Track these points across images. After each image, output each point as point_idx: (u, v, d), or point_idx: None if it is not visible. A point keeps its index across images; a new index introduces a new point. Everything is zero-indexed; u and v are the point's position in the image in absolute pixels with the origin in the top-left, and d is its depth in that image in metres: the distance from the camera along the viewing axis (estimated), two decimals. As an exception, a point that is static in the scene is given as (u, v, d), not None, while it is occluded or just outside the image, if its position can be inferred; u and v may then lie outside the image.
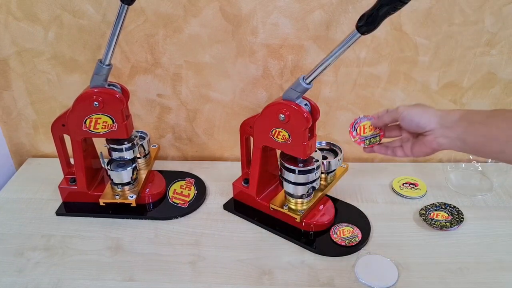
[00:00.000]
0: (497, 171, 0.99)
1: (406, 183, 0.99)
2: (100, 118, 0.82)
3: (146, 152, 1.00)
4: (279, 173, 0.85)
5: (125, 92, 0.86)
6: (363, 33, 0.64)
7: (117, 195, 0.91)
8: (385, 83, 1.00)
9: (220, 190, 0.99)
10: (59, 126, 0.87)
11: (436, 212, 0.90)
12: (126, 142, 0.88)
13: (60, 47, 0.97)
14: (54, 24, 0.95)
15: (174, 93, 1.03)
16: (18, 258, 0.82)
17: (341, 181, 0.95)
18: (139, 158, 0.98)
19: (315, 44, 0.95)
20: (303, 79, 0.72)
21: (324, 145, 0.96)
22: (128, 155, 0.89)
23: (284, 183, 0.84)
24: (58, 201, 0.95)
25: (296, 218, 0.83)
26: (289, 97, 0.75)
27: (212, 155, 1.13)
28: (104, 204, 0.90)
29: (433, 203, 0.92)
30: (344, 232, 0.85)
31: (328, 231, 0.86)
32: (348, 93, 1.01)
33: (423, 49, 0.95)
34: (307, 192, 0.84)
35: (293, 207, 0.85)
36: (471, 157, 1.03)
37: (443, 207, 0.91)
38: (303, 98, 0.76)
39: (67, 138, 0.89)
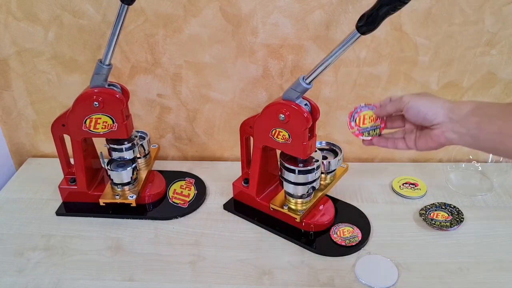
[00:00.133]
0: (497, 171, 0.99)
1: (406, 183, 0.99)
2: (100, 118, 0.82)
3: (146, 152, 1.00)
4: (279, 173, 0.85)
5: (125, 92, 0.86)
6: (363, 33, 0.64)
7: (117, 195, 0.91)
8: (385, 83, 1.00)
9: (220, 190, 0.99)
10: (59, 126, 0.87)
11: (436, 212, 0.90)
12: (126, 142, 0.88)
13: (60, 47, 0.97)
14: (54, 24, 0.95)
15: (174, 93, 1.03)
16: (18, 258, 0.82)
17: (341, 181, 0.95)
18: (139, 158, 0.98)
19: (315, 44, 0.95)
20: (303, 79, 0.72)
21: (324, 145, 0.96)
22: (128, 155, 0.89)
23: (284, 183, 0.84)
24: (58, 201, 0.95)
25: (296, 218, 0.83)
26: (289, 97, 0.75)
27: (212, 155, 1.13)
28: (104, 204, 0.90)
29: (433, 203, 0.92)
30: (344, 232, 0.85)
31: (328, 231, 0.86)
32: (348, 93, 1.01)
33: (423, 49, 0.95)
34: (307, 192, 0.84)
35: (293, 207, 0.85)
36: (471, 157, 1.03)
37: (443, 207, 0.91)
38: (303, 98, 0.76)
39: (67, 138, 0.89)
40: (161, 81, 1.02)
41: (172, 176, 1.02)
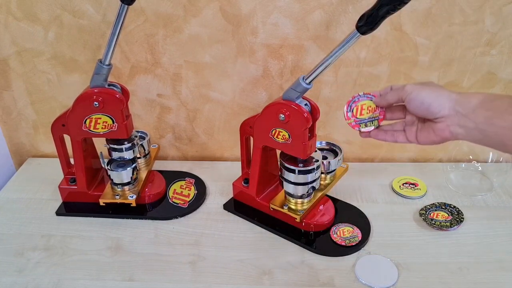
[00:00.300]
0: (497, 171, 0.99)
1: (406, 183, 0.99)
2: (100, 118, 0.82)
3: (146, 152, 1.00)
4: (279, 173, 0.85)
5: (125, 92, 0.86)
6: (363, 33, 0.64)
7: (117, 195, 0.91)
8: (385, 83, 1.00)
9: (220, 190, 0.99)
10: (59, 126, 0.87)
11: (436, 212, 0.90)
12: (126, 142, 0.88)
13: (60, 47, 0.97)
14: (54, 24, 0.95)
15: (174, 93, 1.03)
16: (18, 258, 0.82)
17: (341, 181, 0.95)
18: (139, 158, 0.98)
19: (315, 44, 0.95)
20: (303, 79, 0.72)
21: (324, 145, 0.96)
22: (128, 155, 0.89)
23: (284, 183, 0.84)
24: (58, 201, 0.95)
25: (296, 218, 0.83)
26: (289, 97, 0.75)
27: (212, 155, 1.13)
28: (104, 204, 0.90)
29: (433, 203, 0.92)
30: (344, 232, 0.85)
31: (328, 231, 0.86)
32: (348, 93, 1.01)
33: (423, 49, 0.95)
34: (307, 192, 0.84)
35: (293, 207, 0.85)
36: (471, 157, 1.03)
37: (443, 207, 0.91)
38: (303, 98, 0.76)
39: (67, 138, 0.89)
40: (161, 81, 1.02)
41: (172, 176, 1.02)
